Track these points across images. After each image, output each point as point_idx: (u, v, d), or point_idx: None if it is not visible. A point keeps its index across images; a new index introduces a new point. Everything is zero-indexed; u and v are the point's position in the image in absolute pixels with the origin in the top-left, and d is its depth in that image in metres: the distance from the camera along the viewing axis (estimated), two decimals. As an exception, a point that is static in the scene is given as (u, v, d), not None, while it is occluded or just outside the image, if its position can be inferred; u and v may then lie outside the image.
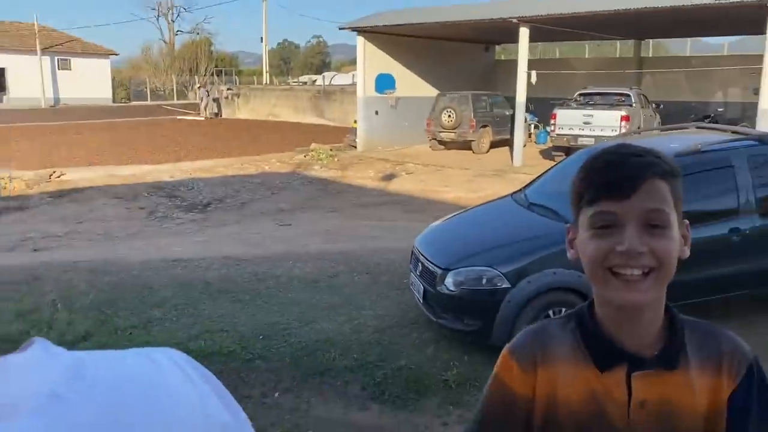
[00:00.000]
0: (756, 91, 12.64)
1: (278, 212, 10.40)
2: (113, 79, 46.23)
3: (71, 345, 4.99)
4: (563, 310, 4.31)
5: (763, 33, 11.89)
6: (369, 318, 5.37)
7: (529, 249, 4.36)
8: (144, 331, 5.29)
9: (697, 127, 6.11)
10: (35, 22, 39.60)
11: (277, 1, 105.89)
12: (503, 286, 4.25)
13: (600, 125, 14.22)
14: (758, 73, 12.35)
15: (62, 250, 8.16)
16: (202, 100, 31.73)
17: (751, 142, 4.95)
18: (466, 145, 17.46)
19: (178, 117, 27.44)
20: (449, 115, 17.25)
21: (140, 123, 24.27)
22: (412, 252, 5.22)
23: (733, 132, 5.37)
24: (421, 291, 4.78)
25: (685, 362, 1.01)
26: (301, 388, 4.43)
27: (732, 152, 4.73)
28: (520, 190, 5.60)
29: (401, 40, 18.50)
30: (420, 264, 4.88)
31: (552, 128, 15.43)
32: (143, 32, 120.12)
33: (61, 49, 41.45)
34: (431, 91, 18.74)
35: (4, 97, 38.89)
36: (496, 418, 1.09)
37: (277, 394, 4.38)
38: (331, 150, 16.73)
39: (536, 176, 5.82)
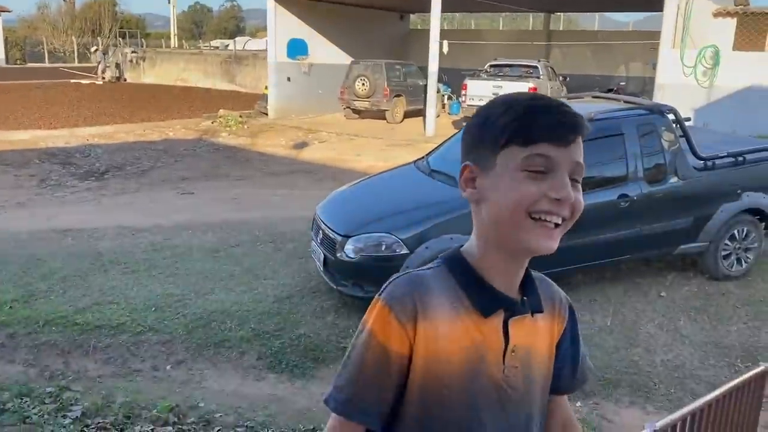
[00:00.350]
0: (654, 66, 13.23)
1: (181, 180, 9.99)
2: (6, 39, 42.80)
3: (-59, 321, 4.60)
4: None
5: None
6: (269, 287, 5.24)
7: (428, 215, 4.35)
8: (26, 304, 4.95)
9: (593, 97, 6.29)
10: None
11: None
12: (402, 252, 4.23)
13: (510, 95, 14.47)
14: (657, 48, 12.92)
15: (-62, 221, 7.49)
16: (99, 63, 29.92)
17: (642, 112, 5.13)
18: (380, 115, 17.37)
19: (72, 81, 25.60)
20: (363, 84, 17.06)
21: (34, 86, 22.60)
22: (314, 219, 5.11)
23: (626, 102, 5.55)
24: (322, 258, 4.69)
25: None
26: (194, 360, 4.28)
27: (623, 121, 4.88)
28: (423, 157, 5.59)
29: (314, 5, 18.06)
30: (321, 231, 4.78)
31: (463, 99, 15.58)
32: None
33: (-56, 2, 37.85)
34: (346, 59, 18.46)
35: None
36: (371, 380, 1.00)
37: (168, 367, 4.21)
38: (240, 117, 16.20)
39: (439, 144, 5.82)
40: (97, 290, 5.24)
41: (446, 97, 19.73)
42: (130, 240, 6.63)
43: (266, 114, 17.60)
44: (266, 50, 19.84)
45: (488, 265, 1.02)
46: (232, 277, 5.53)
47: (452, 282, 1.02)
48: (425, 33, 18.89)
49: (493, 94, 14.77)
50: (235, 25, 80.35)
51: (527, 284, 1.06)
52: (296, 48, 18.08)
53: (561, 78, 16.88)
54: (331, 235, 4.57)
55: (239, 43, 37.81)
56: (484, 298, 1.01)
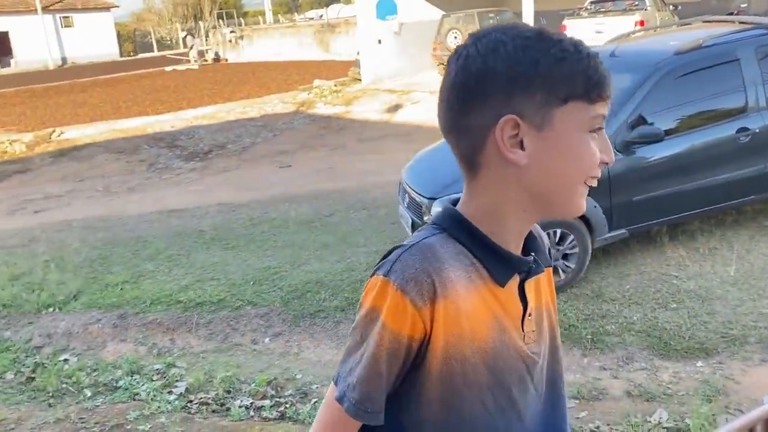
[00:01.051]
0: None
1: (279, 154, 10.15)
2: (118, 33, 45.57)
3: (62, 305, 4.93)
4: (558, 232, 4.05)
5: None
6: (362, 255, 5.17)
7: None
8: (134, 285, 5.19)
9: (703, 21, 5.59)
10: (31, -19, 38.80)
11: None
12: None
13: (614, 33, 13.45)
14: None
15: (62, 210, 8.07)
16: (191, 48, 30.61)
17: (761, 32, 4.48)
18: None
19: (167, 68, 26.67)
20: (455, 37, 16.52)
21: (143, 75, 23.93)
22: (400, 183, 4.95)
23: (742, 23, 4.87)
24: (410, 223, 4.54)
25: None
26: (291, 331, 4.30)
27: (738, 44, 4.28)
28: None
29: (399, -39, 17.59)
30: (407, 195, 4.62)
31: (563, 42, 14.68)
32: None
33: (62, 6, 40.76)
34: (437, 14, 17.92)
35: (12, 61, 38.65)
36: (384, 377, 0.86)
37: (267, 340, 4.26)
38: (335, 85, 16.24)
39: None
40: (199, 267, 5.40)
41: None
42: (230, 216, 6.81)
43: (359, 80, 17.52)
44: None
45: (502, 228, 0.89)
46: (326, 246, 5.52)
47: (459, 248, 0.88)
48: (517, -24, 17.95)
49: (596, 32, 13.83)
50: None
51: (530, 239, 0.95)
52: (385, 8, 17.76)
53: (671, 7, 15.46)
54: (417, 198, 4.39)
55: (333, 12, 37.93)
56: (501, 266, 0.89)
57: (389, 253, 0.88)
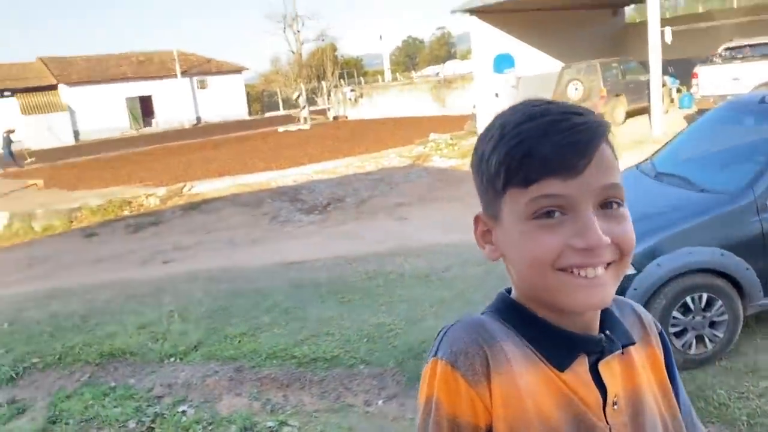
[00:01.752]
0: None
1: (396, 207, 10.15)
2: (247, 94, 48.82)
3: (183, 355, 5.02)
4: (704, 296, 3.59)
5: None
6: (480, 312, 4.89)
7: (657, 226, 3.67)
8: (252, 338, 5.21)
9: None
10: (174, 50, 42.73)
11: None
12: (628, 271, 3.60)
13: (752, 80, 12.50)
14: None
15: (189, 261, 8.43)
16: (303, 108, 31.24)
17: None
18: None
19: (280, 129, 27.75)
20: (576, 88, 16.10)
21: (269, 132, 25.27)
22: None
23: None
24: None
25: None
26: (406, 394, 4.08)
27: None
28: (647, 159, 4.84)
29: (517, 15, 17.58)
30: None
31: (695, 90, 13.84)
32: (272, 45, 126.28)
33: (198, 70, 44.41)
34: (556, 66, 17.62)
35: (153, 121, 42.39)
36: None
37: (380, 402, 4.07)
38: (451, 139, 16.24)
39: (665, 143, 5.01)
40: (315, 321, 5.35)
41: (674, 90, 17.81)
42: (346, 269, 6.78)
43: (476, 133, 17.42)
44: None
45: (549, 311, 0.80)
46: (442, 303, 5.30)
47: (510, 329, 0.80)
48: (642, 25, 17.38)
49: (733, 79, 12.94)
50: (446, 51, 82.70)
51: (606, 314, 0.84)
52: (502, 62, 17.72)
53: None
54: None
55: (449, 68, 38.60)
56: (558, 346, 0.78)
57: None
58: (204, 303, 6.14)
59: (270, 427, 3.87)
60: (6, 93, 38.52)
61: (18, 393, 4.82)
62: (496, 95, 17.69)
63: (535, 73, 18.11)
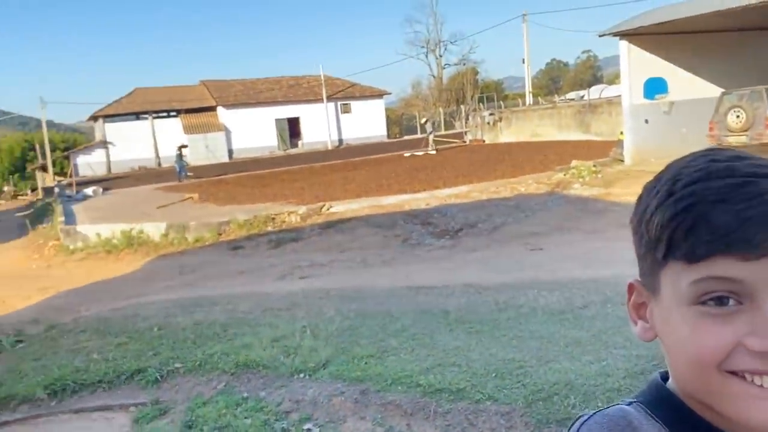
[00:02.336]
0: None
1: (531, 236, 9.81)
2: (387, 117, 50.13)
3: (312, 372, 5.11)
4: None
5: None
6: (620, 359, 4.53)
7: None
8: (379, 360, 5.19)
9: None
10: (321, 74, 44.91)
11: (544, 20, 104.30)
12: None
13: None
14: None
15: (323, 278, 8.67)
16: (430, 134, 30.15)
17: None
18: (761, 149, 14.77)
19: (406, 154, 27.50)
20: (738, 116, 14.80)
21: (403, 155, 25.69)
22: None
23: None
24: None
25: None
26: (535, 438, 3.84)
27: None
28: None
29: (672, 38, 16.55)
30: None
31: None
32: (413, 70, 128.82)
33: (343, 95, 46.29)
34: (713, 91, 16.35)
35: (299, 142, 44.67)
36: None
37: (507, 443, 3.87)
38: (594, 166, 15.52)
39: None
40: (441, 350, 5.23)
41: None
42: (475, 298, 6.62)
43: (622, 161, 16.56)
44: (621, 95, 18.97)
45: (709, 411, 0.65)
46: (578, 343, 4.98)
47: (661, 425, 0.66)
48: (820, 46, 15.74)
49: None
50: (592, 75, 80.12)
51: None
52: (654, 87, 16.74)
53: None
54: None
55: (594, 92, 37.19)
56: None
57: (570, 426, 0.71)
58: (335, 321, 6.24)
59: (392, 456, 3.81)
60: (172, 113, 42.46)
61: (161, 395, 5.14)
62: (646, 121, 16.73)
63: (689, 98, 16.92)
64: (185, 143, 29.18)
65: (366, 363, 5.15)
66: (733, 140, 15.08)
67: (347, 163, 26.63)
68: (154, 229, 13.60)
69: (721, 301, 0.59)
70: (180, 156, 27.64)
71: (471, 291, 6.87)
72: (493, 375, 4.61)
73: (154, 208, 17.25)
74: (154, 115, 41.77)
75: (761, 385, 0.58)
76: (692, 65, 17.07)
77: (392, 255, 9.56)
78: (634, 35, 16.37)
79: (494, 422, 4.07)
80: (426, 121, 33.08)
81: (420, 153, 27.52)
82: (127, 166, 39.77)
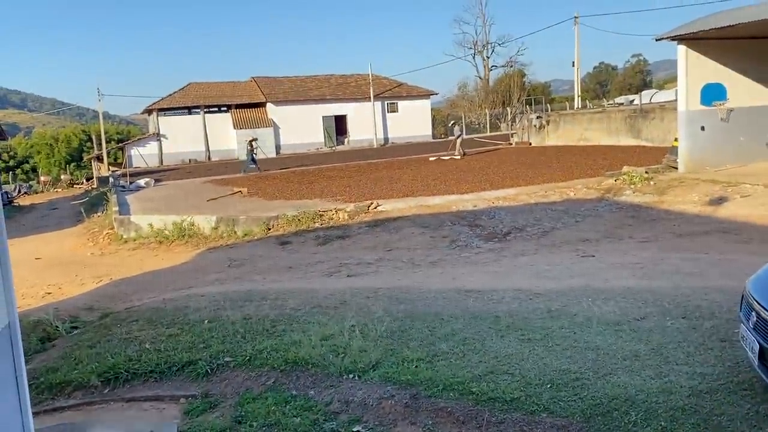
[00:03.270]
0: None
1: (581, 242, 9.59)
2: (433, 117, 49.91)
3: (361, 373, 5.08)
4: None
5: None
6: (683, 376, 4.36)
7: None
8: (429, 365, 5.13)
9: None
10: (369, 73, 44.99)
11: (594, 23, 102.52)
12: None
13: None
14: None
15: (371, 277, 8.65)
16: (458, 137, 28.07)
17: None
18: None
19: (431, 158, 26.02)
20: (803, 125, 14.22)
21: (446, 155, 25.48)
22: (743, 296, 4.09)
23: None
24: (756, 349, 3.66)
25: None
26: (592, 454, 3.72)
27: None
28: None
29: (732, 43, 15.99)
30: (754, 313, 3.76)
31: None
32: (461, 71, 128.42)
33: (390, 94, 46.28)
34: (775, 98, 15.77)
35: (346, 140, 44.87)
36: None
37: (564, 457, 3.76)
38: (646, 172, 15.12)
39: None
40: (493, 357, 5.14)
41: None
42: (526, 304, 6.48)
43: (675, 168, 16.08)
44: (675, 100, 18.43)
45: None
46: (636, 357, 4.81)
47: None
48: None
49: None
50: (641, 79, 78.35)
51: None
52: (712, 93, 16.20)
53: None
54: (770, 319, 3.53)
55: (645, 97, 36.28)
56: None
57: None
58: (384, 321, 6.20)
59: (443, 464, 3.75)
60: (223, 108, 43.17)
61: (211, 388, 5.19)
62: (702, 128, 16.22)
63: (749, 105, 16.33)
64: (255, 137, 29.34)
65: (416, 366, 5.09)
66: (795, 149, 14.50)
67: (394, 161, 26.58)
68: (204, 222, 13.82)
69: None
70: (251, 150, 28.03)
71: (522, 297, 6.74)
72: (548, 386, 4.50)
73: (204, 200, 17.54)
74: (206, 109, 42.54)
75: None
76: (752, 72, 16.47)
77: (440, 256, 9.47)
78: (693, 39, 15.87)
79: (549, 435, 3.96)
80: (453, 123, 30.83)
81: (446, 158, 26.32)
82: (179, 159, 40.65)
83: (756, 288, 3.91)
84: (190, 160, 40.58)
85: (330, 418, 4.46)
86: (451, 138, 29.38)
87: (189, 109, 42.87)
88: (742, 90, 16.42)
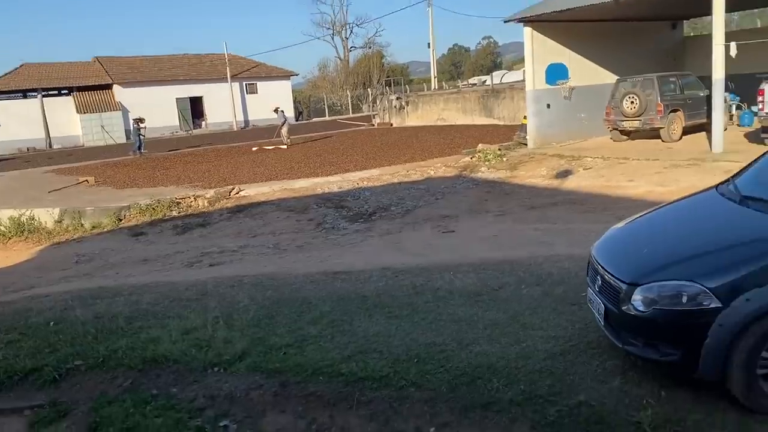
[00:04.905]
0: None
1: (442, 218, 9.90)
2: (294, 99, 49.25)
3: (227, 365, 4.87)
4: (800, 338, 3.25)
5: None
6: (539, 340, 4.61)
7: (746, 255, 3.35)
8: (298, 350, 5.03)
9: None
10: (225, 53, 43.38)
11: (448, 4, 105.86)
12: (711, 305, 3.29)
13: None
14: None
15: (234, 265, 8.35)
16: (283, 125, 24.72)
17: None
18: (653, 134, 15.70)
19: (254, 148, 24.83)
20: (632, 102, 15.62)
21: (315, 137, 25.31)
22: (589, 262, 4.38)
23: None
24: (602, 310, 3.93)
25: None
26: (460, 423, 3.83)
27: None
28: (728, 180, 4.49)
29: (573, 26, 17.18)
30: (599, 277, 4.04)
31: (760, 106, 13.23)
32: (321, 51, 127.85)
33: (248, 74, 44.98)
34: (610, 78, 17.18)
35: (203, 123, 43.08)
36: None
37: (432, 429, 3.83)
38: (499, 150, 15.92)
39: (749, 163, 4.65)
40: (362, 336, 5.14)
41: (734, 106, 17.16)
42: (392, 282, 6.57)
43: (525, 144, 17.09)
44: (522, 81, 19.52)
45: None
46: (495, 325, 5.03)
47: None
48: (702, 40, 16.84)
49: (803, 96, 12.32)
50: (491, 60, 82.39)
51: None
52: (555, 73, 17.34)
53: None
54: (612, 282, 3.80)
55: (496, 78, 38.19)
56: None
57: None
58: (250, 310, 6.00)
59: (315, 449, 3.69)
60: (63, 91, 39.69)
61: (60, 395, 4.74)
62: (548, 106, 17.32)
63: (588, 84, 17.68)
64: (142, 117, 26.72)
65: (285, 353, 4.97)
66: (628, 125, 15.92)
67: (254, 144, 25.89)
68: (46, 215, 12.65)
69: None
70: (138, 130, 25.68)
71: (388, 275, 6.82)
72: (415, 360, 4.57)
73: (45, 192, 16.05)
74: (44, 92, 38.87)
75: None
76: (591, 52, 17.82)
77: (306, 239, 9.36)
78: (537, 21, 16.83)
79: (418, 409, 4.03)
80: (277, 109, 26.15)
81: (270, 147, 23.23)
82: (14, 147, 36.83)
83: (600, 253, 4.19)
84: (28, 149, 36.97)
85: (195, 415, 4.23)
86: (277, 124, 26.15)
87: (24, 93, 39.01)
88: (582, 70, 17.72)
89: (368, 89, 50.43)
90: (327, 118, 46.60)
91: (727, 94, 15.26)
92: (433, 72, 43.87)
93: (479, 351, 4.59)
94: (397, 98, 34.43)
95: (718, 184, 4.49)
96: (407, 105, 33.63)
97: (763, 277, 3.21)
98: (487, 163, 14.84)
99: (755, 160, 4.54)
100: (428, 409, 3.99)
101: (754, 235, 3.53)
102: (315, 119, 46.80)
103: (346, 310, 5.83)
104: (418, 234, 9.11)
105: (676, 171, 11.28)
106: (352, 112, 48.01)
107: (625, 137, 16.40)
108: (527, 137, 17.14)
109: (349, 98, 51.38)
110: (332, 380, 4.44)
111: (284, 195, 12.79)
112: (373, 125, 33.68)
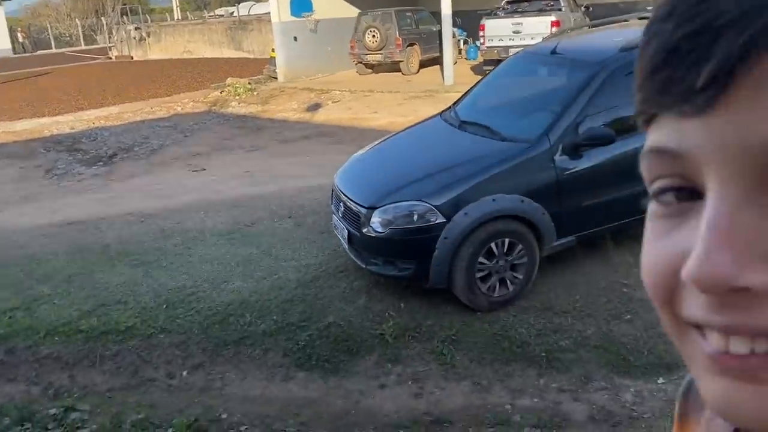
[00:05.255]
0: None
1: (192, 157, 9.45)
2: (10, 28, 42.34)
3: (-65, 341, 4.17)
4: (506, 241, 3.75)
5: None
6: (291, 270, 4.71)
7: (464, 175, 3.73)
8: (27, 312, 4.49)
9: (640, 18, 5.50)
10: None
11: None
12: (437, 221, 3.63)
13: (530, 33, 13.54)
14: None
15: (-60, 224, 7.07)
16: None
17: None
18: (394, 67, 16.56)
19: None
20: (373, 35, 16.22)
21: (35, 73, 22.15)
22: (333, 190, 4.53)
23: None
24: (346, 235, 4.12)
25: None
26: (213, 362, 3.78)
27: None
28: (449, 107, 4.92)
29: (314, -43, 17.12)
30: (342, 204, 4.20)
31: (481, 41, 14.67)
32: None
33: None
34: (353, 11, 17.57)
35: None
36: None
37: (185, 373, 3.73)
38: (249, 84, 15.54)
39: (466, 91, 5.13)
40: (104, 289, 4.76)
41: (462, 41, 18.79)
42: (138, 228, 6.14)
43: (275, 78, 16.91)
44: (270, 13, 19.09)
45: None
46: (249, 261, 5.01)
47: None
48: (434, -25, 17.89)
49: (514, 32, 13.91)
50: (240, -9, 79.12)
51: None
52: (300, 5, 17.22)
53: (584, 8, 15.80)
54: (353, 207, 3.98)
55: (243, 9, 36.83)
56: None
57: None
58: (-39, 276, 5.18)
59: (53, 414, 3.37)
60: None
61: None
62: (295, 39, 17.23)
63: (333, 17, 17.92)
64: None
65: (10, 317, 4.42)
66: (371, 58, 16.58)
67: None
68: None
69: (664, 194, 0.36)
70: None
71: (132, 220, 6.35)
72: (164, 306, 4.38)
73: None
74: None
75: (712, 348, 0.33)
76: (334, -15, 18.00)
77: (34, 189, 8.25)
78: (280, -49, 16.46)
79: (169, 354, 3.89)
80: None
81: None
82: None
83: (341, 181, 4.35)
84: None
85: None
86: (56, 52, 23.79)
87: None
88: (326, 2, 17.84)
89: (102, 18, 45.31)
90: (54, 50, 41.02)
91: (455, 29, 16.63)
92: (176, 1, 40.86)
93: (232, 288, 4.54)
94: (136, 28, 31.51)
95: (442, 111, 4.90)
96: (149, 36, 30.98)
97: (477, 193, 3.62)
98: (237, 97, 14.41)
99: (470, 89, 5.02)
100: (180, 353, 3.87)
101: (468, 155, 3.94)
102: (40, 51, 40.92)
103: (85, 263, 5.32)
104: (167, 175, 8.59)
105: (415, 102, 12.11)
106: (85, 44, 42.90)
107: (370, 70, 17.08)
108: (277, 71, 16.96)
109: (79, 28, 45.70)
110: (70, 339, 4.07)
111: (3, 139, 11.09)
112: (111, 58, 30.51)
